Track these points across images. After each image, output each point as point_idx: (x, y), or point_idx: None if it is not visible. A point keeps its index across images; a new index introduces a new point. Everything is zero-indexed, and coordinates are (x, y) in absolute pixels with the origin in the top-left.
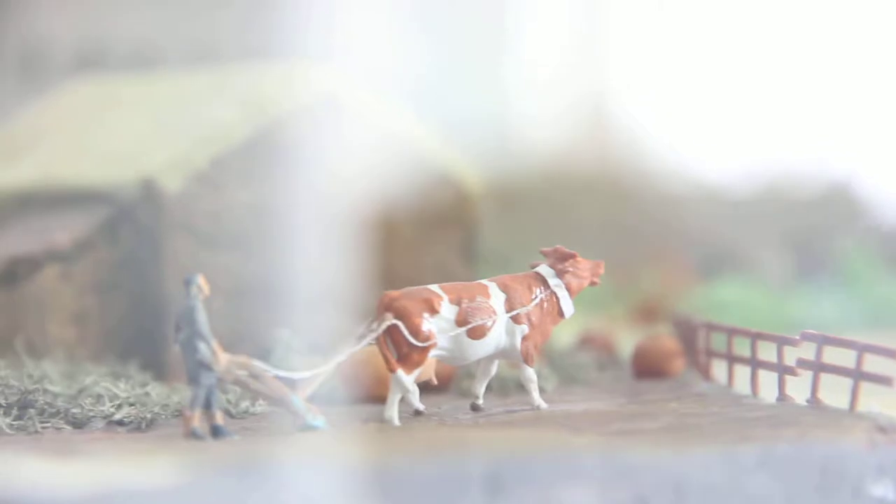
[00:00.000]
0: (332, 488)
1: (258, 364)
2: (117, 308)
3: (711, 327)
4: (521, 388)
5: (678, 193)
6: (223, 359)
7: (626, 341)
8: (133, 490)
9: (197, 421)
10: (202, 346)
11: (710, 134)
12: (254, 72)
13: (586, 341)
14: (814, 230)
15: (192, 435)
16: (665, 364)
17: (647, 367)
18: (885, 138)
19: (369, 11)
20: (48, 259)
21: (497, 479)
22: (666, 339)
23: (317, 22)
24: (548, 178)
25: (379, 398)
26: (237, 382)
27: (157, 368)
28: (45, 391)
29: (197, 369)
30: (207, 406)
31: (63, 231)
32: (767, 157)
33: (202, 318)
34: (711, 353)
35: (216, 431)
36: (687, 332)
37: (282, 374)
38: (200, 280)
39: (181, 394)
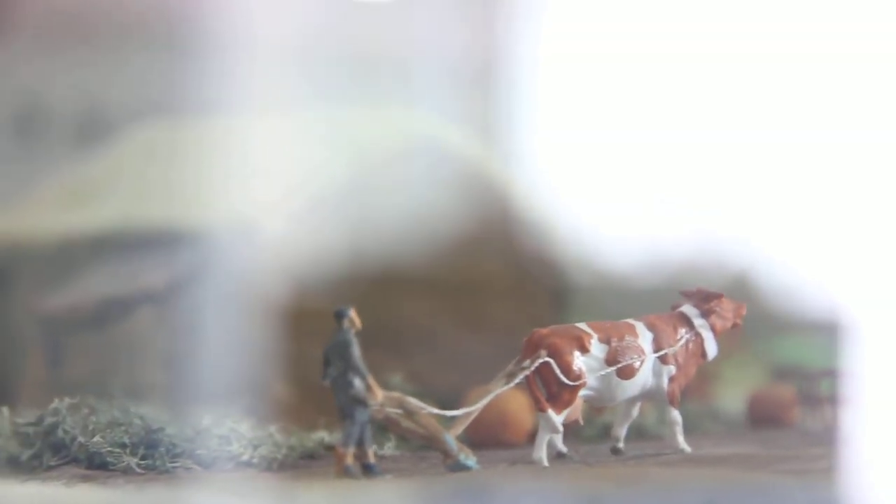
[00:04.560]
0: None
1: (413, 401)
2: (211, 351)
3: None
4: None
5: (584, 284)
6: (379, 395)
7: None
8: None
9: (350, 459)
10: (357, 382)
11: (613, 225)
12: (345, 115)
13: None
14: None
15: (346, 473)
16: (782, 413)
17: (764, 416)
18: (780, 230)
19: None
20: (141, 301)
21: None
22: (782, 388)
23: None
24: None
25: (502, 442)
26: (388, 420)
27: (258, 412)
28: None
29: (351, 405)
30: (359, 443)
31: (155, 272)
32: (670, 248)
33: (356, 351)
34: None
35: (368, 470)
36: (802, 381)
37: (436, 411)
38: (352, 313)
39: (298, 436)
